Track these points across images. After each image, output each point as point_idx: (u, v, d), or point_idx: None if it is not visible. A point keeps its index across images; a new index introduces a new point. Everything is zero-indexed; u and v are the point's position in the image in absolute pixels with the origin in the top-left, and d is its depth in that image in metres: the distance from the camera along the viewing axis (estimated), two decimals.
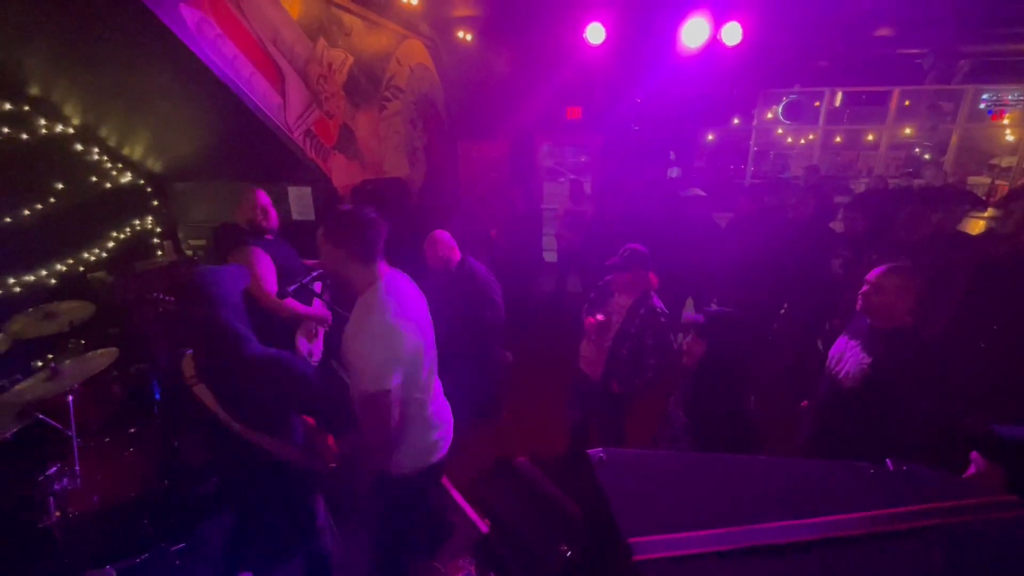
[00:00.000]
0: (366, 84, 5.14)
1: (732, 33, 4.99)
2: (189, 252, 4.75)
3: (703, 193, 7.00)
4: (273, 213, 3.07)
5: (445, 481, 3.26)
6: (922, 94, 8.36)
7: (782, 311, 4.68)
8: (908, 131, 8.78)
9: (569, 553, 1.94)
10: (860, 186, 8.31)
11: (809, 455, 2.35)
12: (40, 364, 3.37)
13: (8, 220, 3.49)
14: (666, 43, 5.41)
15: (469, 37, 6.68)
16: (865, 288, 2.09)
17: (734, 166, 9.63)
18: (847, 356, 2.15)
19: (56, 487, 2.38)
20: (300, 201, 4.57)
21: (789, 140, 10.53)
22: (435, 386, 2.02)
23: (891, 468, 0.90)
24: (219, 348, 1.74)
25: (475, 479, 3.20)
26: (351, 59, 4.80)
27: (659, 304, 2.73)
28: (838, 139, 9.91)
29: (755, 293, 4.16)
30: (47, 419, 2.46)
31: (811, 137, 9.58)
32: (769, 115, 8.94)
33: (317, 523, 2.11)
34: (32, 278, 3.62)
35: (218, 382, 1.76)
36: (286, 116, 3.96)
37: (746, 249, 4.19)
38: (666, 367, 2.73)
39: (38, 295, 3.54)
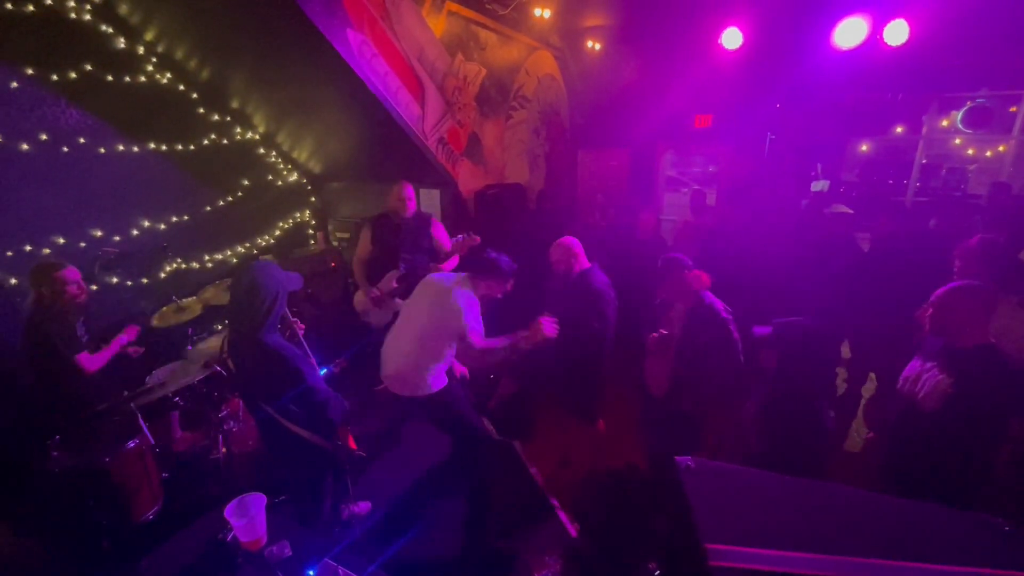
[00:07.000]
0: (495, 95, 5.45)
1: (897, 32, 4.40)
2: (335, 243, 5.43)
3: (849, 211, 6.24)
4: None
5: (539, 480, 3.35)
6: None
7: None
8: None
9: (658, 573, 1.91)
10: None
11: (886, 485, 2.29)
12: (220, 327, 4.11)
13: (208, 209, 4.33)
14: (814, 44, 4.95)
15: (598, 46, 6.73)
16: (929, 311, 2.06)
17: (893, 181, 8.39)
18: (924, 379, 2.11)
19: (225, 427, 2.91)
20: (429, 202, 5.00)
21: (970, 152, 8.89)
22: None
23: None
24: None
25: (568, 484, 3.26)
26: (484, 71, 5.13)
27: (718, 302, 2.62)
28: None
29: (889, 326, 3.62)
30: (222, 370, 3.02)
31: (1001, 149, 8.01)
32: (944, 122, 7.66)
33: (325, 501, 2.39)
34: (220, 256, 4.45)
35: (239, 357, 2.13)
36: (424, 125, 4.38)
37: (884, 277, 3.64)
38: (739, 376, 2.57)
39: (223, 271, 4.35)
